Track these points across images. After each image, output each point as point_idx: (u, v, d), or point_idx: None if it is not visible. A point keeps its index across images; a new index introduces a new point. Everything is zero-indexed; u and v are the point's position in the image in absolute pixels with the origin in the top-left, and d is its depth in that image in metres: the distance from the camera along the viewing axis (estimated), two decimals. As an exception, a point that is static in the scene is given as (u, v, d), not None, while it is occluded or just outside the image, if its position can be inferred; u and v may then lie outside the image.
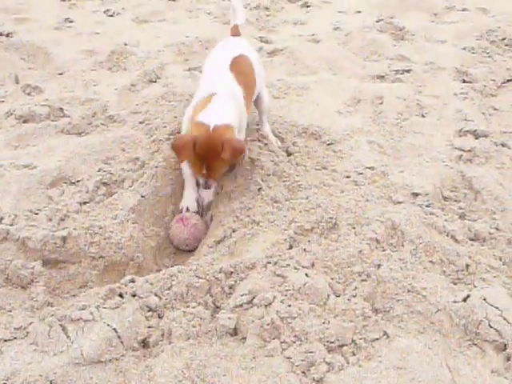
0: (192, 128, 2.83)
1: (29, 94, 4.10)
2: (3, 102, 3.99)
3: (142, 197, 2.92)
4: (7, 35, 5.11)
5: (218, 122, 2.76)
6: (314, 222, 2.67)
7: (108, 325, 2.14)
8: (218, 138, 2.72)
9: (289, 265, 2.44)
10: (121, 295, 2.32)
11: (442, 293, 2.31)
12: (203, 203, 3.02)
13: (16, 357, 2.07)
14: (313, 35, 5.07)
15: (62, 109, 3.78)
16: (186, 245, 2.87)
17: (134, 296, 2.32)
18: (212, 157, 2.75)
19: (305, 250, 2.53)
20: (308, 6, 6.08)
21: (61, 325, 2.15)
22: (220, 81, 3.04)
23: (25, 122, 3.66)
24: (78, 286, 2.61)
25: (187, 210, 2.99)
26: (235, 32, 3.63)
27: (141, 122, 3.60)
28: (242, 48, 3.35)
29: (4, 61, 4.54)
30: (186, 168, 3.02)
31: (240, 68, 3.13)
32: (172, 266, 2.82)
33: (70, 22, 5.59)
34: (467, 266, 2.52)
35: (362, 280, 2.41)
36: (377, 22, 5.35)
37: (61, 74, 4.44)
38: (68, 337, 2.11)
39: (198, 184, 3.02)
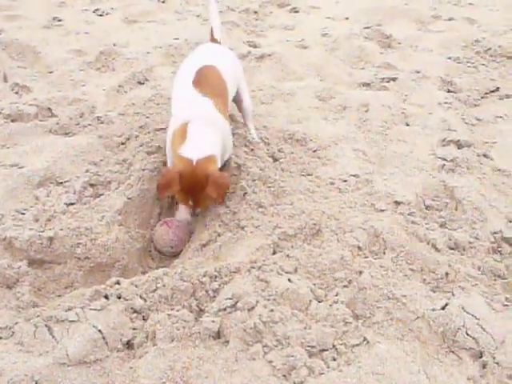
0: (175, 162, 2.81)
1: (17, 92, 4.10)
2: (-9, 100, 4.00)
3: (129, 199, 2.94)
4: (-4, 33, 5.12)
5: (200, 155, 2.74)
6: (297, 228, 2.72)
7: (93, 326, 2.17)
8: (201, 172, 2.71)
9: (272, 270, 2.48)
10: (106, 297, 2.34)
11: (422, 300, 2.36)
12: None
13: (1, 356, 2.09)
14: (301, 41, 5.12)
15: (50, 109, 3.80)
16: (171, 246, 2.88)
17: (119, 298, 2.35)
18: (197, 191, 2.75)
19: (288, 255, 2.57)
20: (296, 12, 6.12)
21: (46, 325, 2.18)
22: (190, 104, 2.98)
23: (13, 121, 3.67)
24: (64, 286, 2.63)
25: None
26: (213, 38, 3.63)
27: (128, 124, 3.62)
28: (211, 56, 3.30)
29: (-8, 59, 4.55)
30: None
31: (205, 80, 3.05)
32: (157, 269, 2.87)
33: (59, 20, 5.59)
34: (447, 274, 2.57)
35: (344, 286, 2.46)
36: (364, 29, 5.41)
37: (50, 73, 4.44)
38: (53, 337, 2.14)
39: None
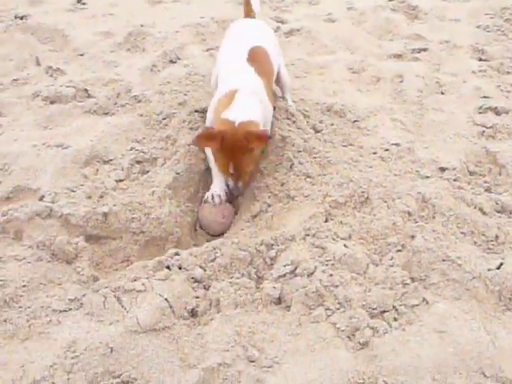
0: (217, 125, 2.86)
1: (51, 75, 4.13)
2: (26, 83, 4.03)
3: (177, 174, 2.99)
4: (22, 18, 5.13)
5: (243, 118, 2.81)
6: (347, 196, 2.76)
7: (160, 295, 2.24)
8: (242, 132, 2.76)
9: (327, 236, 2.53)
10: (168, 267, 2.40)
11: (476, 261, 2.41)
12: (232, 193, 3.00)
13: (74, 326, 2.16)
14: (328, 15, 5.11)
15: (86, 90, 3.83)
16: (220, 222, 2.93)
17: (179, 268, 2.41)
18: (239, 153, 2.78)
19: (341, 222, 2.62)
20: (320, -14, 6.11)
21: (115, 295, 2.24)
22: (241, 76, 3.07)
23: (52, 103, 3.71)
24: (120, 260, 2.69)
25: (214, 197, 2.97)
26: (248, 13, 3.69)
27: (166, 102, 3.65)
28: (258, 36, 3.39)
29: (23, 43, 4.58)
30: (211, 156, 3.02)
31: (258, 60, 3.16)
32: (208, 241, 2.94)
33: (83, 3, 5.60)
34: (496, 236, 2.62)
35: (398, 250, 2.51)
36: (389, 1, 5.38)
37: (80, 55, 4.47)
38: (123, 306, 2.20)
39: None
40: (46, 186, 2.89)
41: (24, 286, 2.34)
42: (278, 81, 3.53)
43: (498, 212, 2.79)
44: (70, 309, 2.25)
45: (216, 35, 4.70)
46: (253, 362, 2.05)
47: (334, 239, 2.52)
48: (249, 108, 2.89)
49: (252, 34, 3.43)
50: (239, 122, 2.80)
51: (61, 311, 2.23)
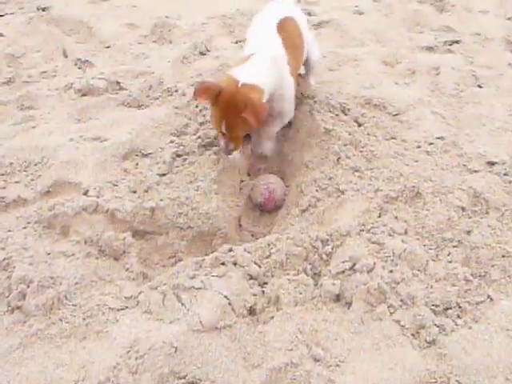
0: (221, 79, 2.80)
1: (80, 68, 4.07)
2: (56, 75, 3.97)
3: (222, 168, 2.94)
4: (43, 9, 5.07)
5: (248, 80, 2.73)
6: (398, 191, 2.70)
7: (219, 293, 2.18)
8: (242, 96, 2.67)
9: (383, 232, 2.47)
10: (223, 263, 2.35)
11: (537, 257, 2.36)
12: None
13: (132, 325, 2.11)
14: (356, 7, 5.05)
15: (118, 82, 3.76)
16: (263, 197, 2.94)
17: (235, 264, 2.35)
18: (233, 113, 2.69)
19: (396, 217, 2.56)
20: (344, -22, 6.04)
21: (174, 293, 2.19)
22: (263, 42, 3.00)
23: (84, 95, 3.65)
24: (167, 256, 2.64)
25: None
26: None
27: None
28: (289, 10, 3.28)
29: (48, 35, 4.52)
30: None
31: (287, 31, 3.07)
32: (253, 236, 2.89)
33: (104, -5, 5.54)
34: (553, 231, 2.57)
35: (454, 246, 2.45)
36: (416, -8, 5.33)
37: (107, 47, 4.41)
38: (183, 304, 2.15)
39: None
40: (87, 181, 2.83)
41: (76, 283, 2.29)
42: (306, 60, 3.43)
43: (551, 206, 2.74)
44: (127, 307, 2.20)
45: (243, 27, 4.62)
46: (318, 361, 2.00)
47: (390, 235, 2.46)
48: (259, 72, 2.81)
49: (282, 7, 3.32)
50: (243, 82, 2.71)
51: (118, 309, 2.18)
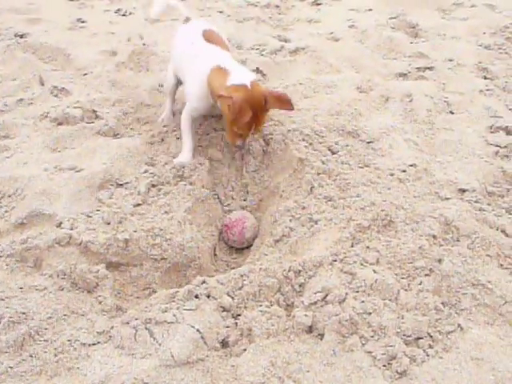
0: (230, 93, 2.89)
1: (56, 95, 4.07)
2: (32, 103, 3.96)
3: (196, 198, 2.95)
4: (21, 36, 5.06)
5: (250, 78, 2.97)
6: (370, 220, 2.72)
7: (191, 326, 2.18)
8: (259, 93, 2.92)
9: (355, 262, 2.49)
10: (197, 296, 2.35)
11: (507, 285, 2.39)
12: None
13: (104, 361, 2.10)
14: (331, 33, 5.12)
15: (94, 110, 3.78)
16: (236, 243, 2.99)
17: (208, 297, 2.36)
18: (261, 112, 2.93)
19: (368, 247, 2.59)
20: (318, 4, 6.11)
21: (146, 327, 2.18)
22: (214, 54, 3.25)
23: (59, 124, 3.65)
24: (142, 288, 2.65)
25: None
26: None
27: (178, 123, 3.61)
28: (205, 24, 3.61)
29: (25, 62, 4.51)
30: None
31: (215, 39, 3.40)
32: (228, 266, 2.90)
33: (83, 22, 5.55)
34: (522, 259, 2.61)
35: (426, 275, 2.48)
36: (390, 19, 5.41)
37: (84, 74, 4.41)
38: (155, 339, 2.14)
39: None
40: (61, 212, 2.83)
41: (48, 317, 2.28)
42: None
43: (521, 234, 2.78)
44: (99, 342, 2.19)
45: (221, 54, 4.67)
46: (291, 394, 2.01)
47: (362, 264, 2.48)
48: (245, 71, 3.12)
49: (198, 23, 3.64)
50: (250, 82, 2.93)
51: (89, 345, 2.18)
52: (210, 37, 3.37)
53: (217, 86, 2.99)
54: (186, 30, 3.60)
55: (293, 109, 3.00)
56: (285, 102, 2.96)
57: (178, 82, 3.69)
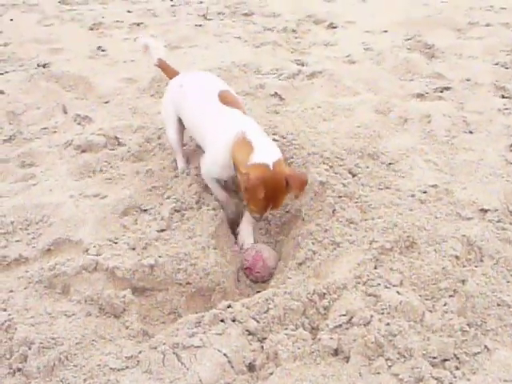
0: (248, 170, 2.73)
1: (79, 123, 4.17)
2: (56, 132, 4.07)
3: (219, 222, 2.99)
4: (44, 66, 5.20)
5: (274, 158, 2.75)
6: (393, 241, 2.74)
7: (218, 350, 2.21)
8: (281, 175, 2.72)
9: (379, 284, 2.51)
10: (222, 320, 2.37)
11: (532, 305, 2.39)
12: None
13: (132, 386, 2.13)
14: (347, 56, 5.18)
15: (117, 137, 3.85)
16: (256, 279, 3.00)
17: (233, 321, 2.38)
18: (280, 194, 2.75)
19: (391, 268, 2.60)
20: (334, 27, 6.20)
21: (173, 352, 2.21)
22: (234, 117, 3.08)
23: (83, 151, 3.73)
24: (167, 312, 2.68)
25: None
26: (164, 65, 3.91)
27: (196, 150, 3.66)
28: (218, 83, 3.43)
29: (48, 91, 4.63)
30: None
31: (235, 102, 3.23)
32: (252, 290, 2.92)
33: (103, 50, 5.69)
34: (546, 278, 2.60)
35: (450, 296, 2.48)
36: (405, 40, 5.47)
37: (106, 102, 4.51)
38: (182, 364, 2.17)
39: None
40: (87, 238, 2.88)
41: (77, 343, 2.31)
42: None
43: (545, 253, 2.78)
44: (127, 367, 2.22)
45: (239, 79, 4.75)
46: (319, 417, 2.02)
47: (386, 286, 2.49)
48: (270, 146, 2.89)
49: (207, 78, 3.54)
50: (272, 163, 2.72)
51: (118, 369, 2.20)
52: (226, 99, 3.19)
53: (239, 160, 2.84)
54: (195, 83, 3.47)
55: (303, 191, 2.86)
56: (304, 185, 2.79)
57: (181, 126, 3.55)
